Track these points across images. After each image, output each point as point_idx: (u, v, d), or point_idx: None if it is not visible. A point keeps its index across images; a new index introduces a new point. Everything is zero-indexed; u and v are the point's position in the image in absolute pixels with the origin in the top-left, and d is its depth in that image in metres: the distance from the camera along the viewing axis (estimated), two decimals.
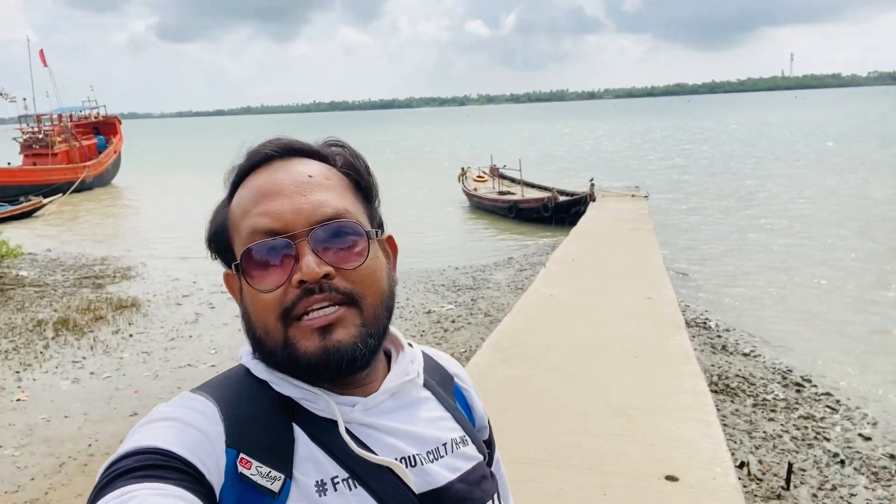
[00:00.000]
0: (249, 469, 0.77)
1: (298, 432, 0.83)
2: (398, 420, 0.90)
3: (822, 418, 5.91)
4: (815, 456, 5.15)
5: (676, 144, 43.82)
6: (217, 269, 0.93)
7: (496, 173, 21.20)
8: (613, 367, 5.14)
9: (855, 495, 4.62)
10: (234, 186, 0.90)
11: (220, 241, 0.91)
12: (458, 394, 1.06)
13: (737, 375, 6.67)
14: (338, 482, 0.80)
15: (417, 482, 0.85)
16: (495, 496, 0.97)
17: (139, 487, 0.66)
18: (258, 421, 0.81)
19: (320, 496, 0.79)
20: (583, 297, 7.20)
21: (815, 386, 6.67)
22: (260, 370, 0.87)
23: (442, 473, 0.89)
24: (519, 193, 18.40)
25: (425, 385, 0.99)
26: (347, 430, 0.84)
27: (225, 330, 8.36)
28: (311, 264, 0.80)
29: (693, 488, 3.41)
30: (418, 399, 0.96)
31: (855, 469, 4.98)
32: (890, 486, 4.72)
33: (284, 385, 0.85)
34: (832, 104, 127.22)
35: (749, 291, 10.14)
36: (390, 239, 0.98)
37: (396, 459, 0.85)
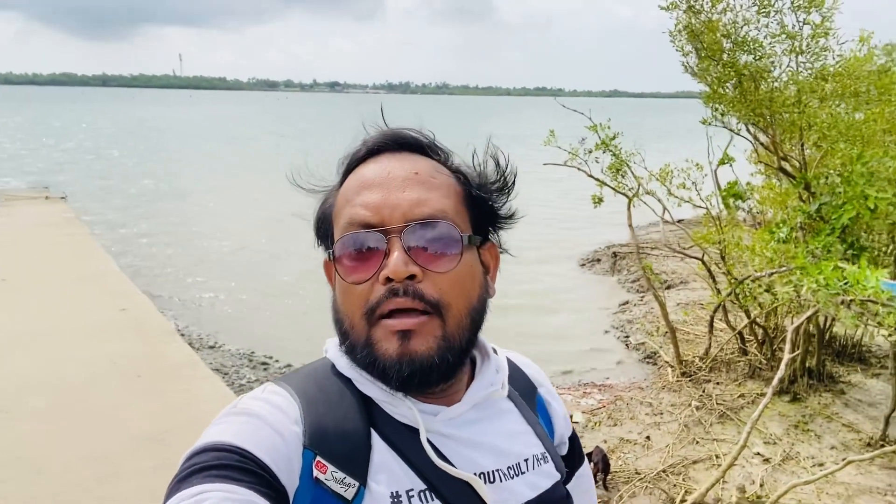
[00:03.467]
0: (325, 473, 0.76)
1: (376, 438, 0.80)
2: (479, 432, 0.87)
3: None
4: None
5: (82, 138, 40.29)
6: None
7: None
8: (119, 394, 4.69)
9: None
10: (345, 174, 0.87)
11: (324, 226, 0.89)
12: (541, 406, 1.01)
13: (217, 371, 6.97)
14: (413, 495, 0.78)
15: (494, 499, 0.82)
16: None
17: (213, 488, 0.66)
18: (339, 424, 0.79)
19: None
20: (36, 322, 6.14)
21: (279, 361, 7.58)
22: (344, 366, 0.85)
23: (521, 491, 0.86)
24: None
25: (508, 395, 0.95)
26: (428, 440, 0.81)
27: None
28: (398, 262, 0.77)
29: None
30: (501, 411, 0.92)
31: None
32: None
33: (368, 385, 0.83)
34: (223, 104, 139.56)
35: (198, 289, 10.50)
36: (493, 248, 0.93)
37: (475, 474, 0.82)
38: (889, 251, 4.83)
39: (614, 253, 11.57)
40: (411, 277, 0.78)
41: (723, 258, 6.01)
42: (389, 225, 0.79)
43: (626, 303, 9.35)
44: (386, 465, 0.79)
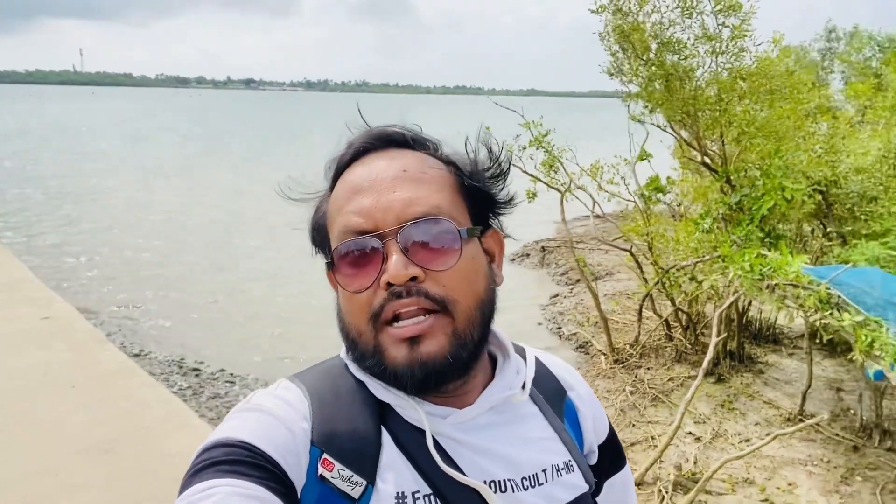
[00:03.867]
0: (331, 471, 0.75)
1: (386, 438, 0.79)
2: (493, 438, 0.83)
3: (227, 393, 6.59)
4: None
5: None
6: None
7: None
8: (57, 405, 4.42)
9: None
10: (335, 180, 0.85)
11: (319, 235, 0.86)
12: (570, 410, 0.95)
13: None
14: (418, 497, 0.76)
15: None
16: None
17: (222, 483, 0.67)
18: (349, 422, 0.79)
19: None
20: None
21: (209, 367, 7.32)
22: (356, 368, 0.83)
23: (534, 503, 0.82)
24: None
25: (532, 398, 0.91)
26: (437, 444, 0.79)
27: None
28: (397, 265, 0.74)
29: None
30: (521, 415, 0.88)
31: None
32: None
33: (379, 389, 0.81)
34: (127, 102, 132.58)
35: (116, 297, 9.97)
36: (496, 235, 0.89)
37: (485, 483, 0.79)
38: (813, 236, 5.19)
39: (543, 247, 11.85)
40: (413, 279, 0.76)
41: (650, 249, 6.29)
42: (384, 228, 0.76)
43: (557, 295, 9.61)
44: (393, 465, 0.77)
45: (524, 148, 5.87)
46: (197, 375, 7.09)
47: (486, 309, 0.82)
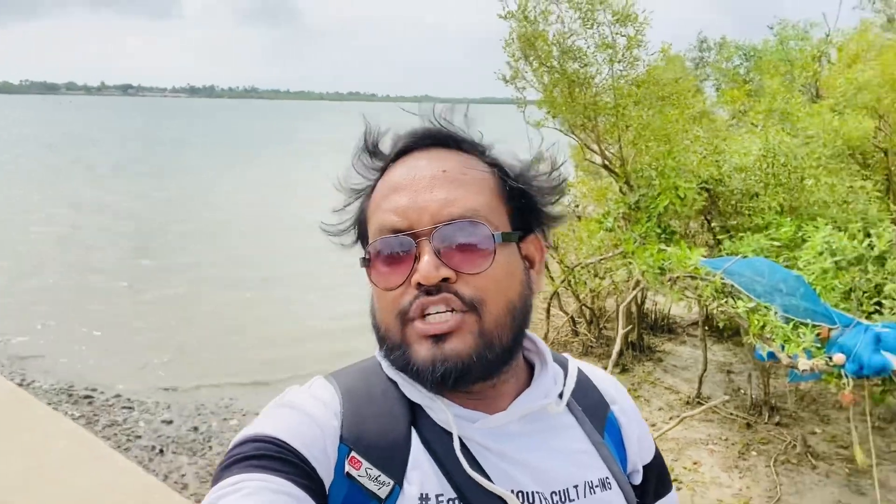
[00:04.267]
0: (358, 469, 0.75)
1: (415, 438, 0.79)
2: (523, 448, 0.81)
3: (125, 420, 6.16)
4: (137, 456, 5.38)
5: None
6: None
7: None
8: None
9: (185, 475, 5.16)
10: (379, 177, 0.84)
11: (361, 230, 0.87)
12: (612, 426, 0.91)
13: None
14: (442, 500, 0.75)
15: None
16: None
17: (251, 478, 0.68)
18: (379, 421, 0.79)
19: None
20: None
21: (104, 393, 6.81)
22: (388, 367, 0.83)
23: None
24: None
25: (570, 409, 0.88)
26: (465, 448, 0.78)
27: None
28: (428, 266, 0.75)
29: None
30: (556, 426, 0.85)
31: (174, 453, 5.51)
32: (205, 454, 5.48)
33: (409, 388, 0.81)
34: None
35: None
36: (537, 241, 0.88)
37: (512, 492, 0.76)
38: (702, 231, 5.58)
39: None
40: (444, 280, 0.76)
41: (555, 248, 6.53)
42: (418, 228, 0.77)
43: None
44: (420, 466, 0.77)
45: None
46: (90, 403, 6.58)
47: (518, 315, 0.81)
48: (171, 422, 6.12)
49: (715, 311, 4.18)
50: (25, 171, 25.97)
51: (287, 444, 0.73)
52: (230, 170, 27.97)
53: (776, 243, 4.52)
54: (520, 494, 0.77)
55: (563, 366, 0.92)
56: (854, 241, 4.19)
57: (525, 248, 0.86)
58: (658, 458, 0.96)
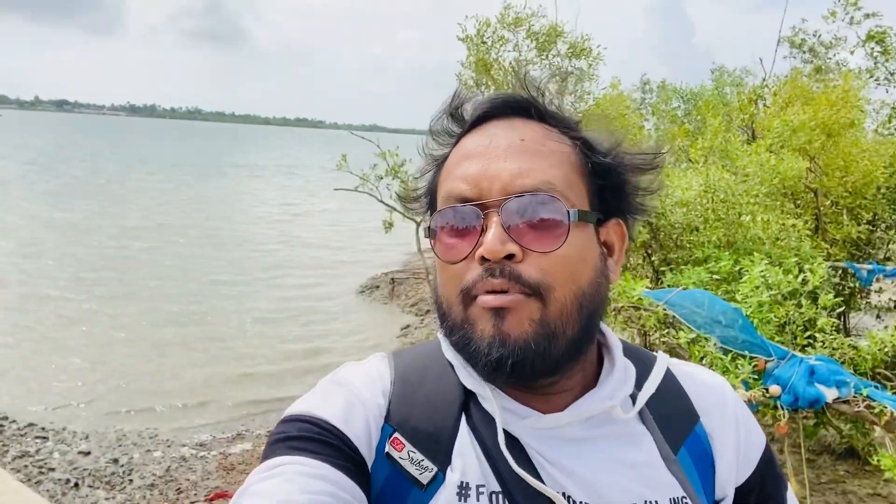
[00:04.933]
0: (400, 451, 0.72)
1: (464, 426, 0.74)
2: (576, 455, 0.73)
3: (38, 451, 5.71)
4: (49, 490, 4.98)
5: None
6: None
7: None
8: None
9: None
10: (454, 146, 0.79)
11: (431, 199, 0.82)
12: (697, 440, 0.80)
13: None
14: (482, 492, 0.70)
15: None
16: None
17: (290, 461, 0.68)
18: (428, 404, 0.75)
19: (460, 500, 0.69)
20: None
21: (15, 422, 6.31)
22: (447, 348, 0.79)
23: None
24: None
25: (642, 417, 0.78)
26: (516, 442, 0.73)
27: None
28: (494, 240, 0.69)
29: None
30: (623, 434, 0.76)
31: (90, 486, 5.12)
32: (125, 489, 5.12)
33: (464, 373, 0.77)
34: None
35: None
36: (618, 227, 0.80)
37: (563, 495, 0.70)
38: (644, 264, 5.65)
39: (392, 279, 11.84)
40: (509, 257, 0.69)
41: None
42: (487, 199, 0.71)
43: (408, 326, 9.62)
44: (464, 454, 0.72)
45: (380, 178, 5.84)
46: (0, 432, 6.07)
47: (588, 304, 0.73)
48: (88, 453, 5.71)
49: (657, 342, 4.20)
50: None
51: (330, 425, 0.71)
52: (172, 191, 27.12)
53: (715, 276, 4.61)
54: (569, 499, 0.71)
55: (647, 364, 0.83)
56: (789, 276, 4.31)
57: (604, 232, 0.79)
58: (767, 455, 0.84)
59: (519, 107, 0.78)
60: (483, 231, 0.71)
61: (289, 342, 8.89)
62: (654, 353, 0.87)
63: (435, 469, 0.71)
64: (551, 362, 0.71)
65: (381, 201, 5.87)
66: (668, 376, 0.83)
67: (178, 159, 49.41)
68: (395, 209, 6.03)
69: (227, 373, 7.81)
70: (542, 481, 0.71)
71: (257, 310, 10.15)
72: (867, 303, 7.12)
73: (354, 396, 0.75)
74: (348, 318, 10.31)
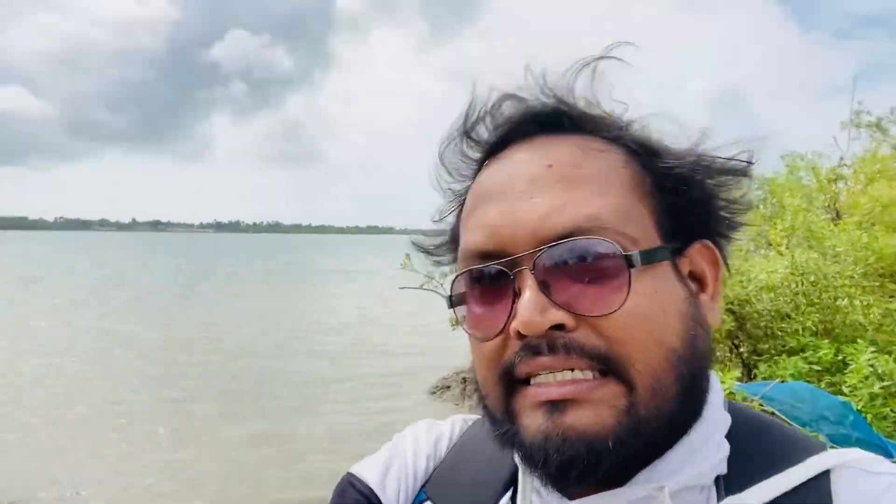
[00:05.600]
0: None
1: None
2: None
3: None
4: None
5: None
6: None
7: None
8: None
9: None
10: (473, 177, 0.63)
11: (456, 249, 0.64)
12: None
13: None
14: None
15: None
16: None
17: None
18: (473, 477, 0.66)
19: None
20: None
21: None
22: None
23: None
24: None
25: None
26: None
27: None
28: (529, 308, 0.51)
29: None
30: None
31: None
32: None
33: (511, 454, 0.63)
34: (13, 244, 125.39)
35: None
36: (707, 251, 0.60)
37: None
38: (732, 356, 5.25)
39: (464, 378, 11.52)
40: (559, 328, 0.53)
41: None
42: (514, 253, 0.55)
43: None
44: None
45: (446, 275, 5.77)
46: None
47: (685, 368, 0.54)
48: None
49: None
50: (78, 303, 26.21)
51: (367, 488, 0.69)
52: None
53: (815, 367, 4.17)
54: None
55: (787, 455, 0.57)
56: None
57: (687, 263, 0.60)
58: None
59: (544, 120, 0.60)
60: (517, 295, 0.54)
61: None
62: (824, 448, 0.59)
63: None
64: (633, 460, 0.54)
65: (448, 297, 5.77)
66: (820, 481, 0.55)
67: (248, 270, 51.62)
68: None
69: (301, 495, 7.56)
70: None
71: (332, 424, 9.93)
72: None
73: (399, 460, 0.71)
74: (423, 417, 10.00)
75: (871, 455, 0.57)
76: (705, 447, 0.57)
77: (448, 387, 11.55)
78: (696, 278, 0.61)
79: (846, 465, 0.56)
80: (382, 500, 0.67)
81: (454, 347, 13.77)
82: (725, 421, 0.60)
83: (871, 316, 4.84)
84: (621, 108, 0.60)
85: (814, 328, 4.57)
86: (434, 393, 11.36)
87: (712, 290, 0.61)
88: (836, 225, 5.28)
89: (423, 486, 0.67)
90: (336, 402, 11.15)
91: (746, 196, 0.61)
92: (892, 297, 5.37)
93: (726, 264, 0.63)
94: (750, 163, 0.60)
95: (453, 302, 0.62)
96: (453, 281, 0.62)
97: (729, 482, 0.56)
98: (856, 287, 4.71)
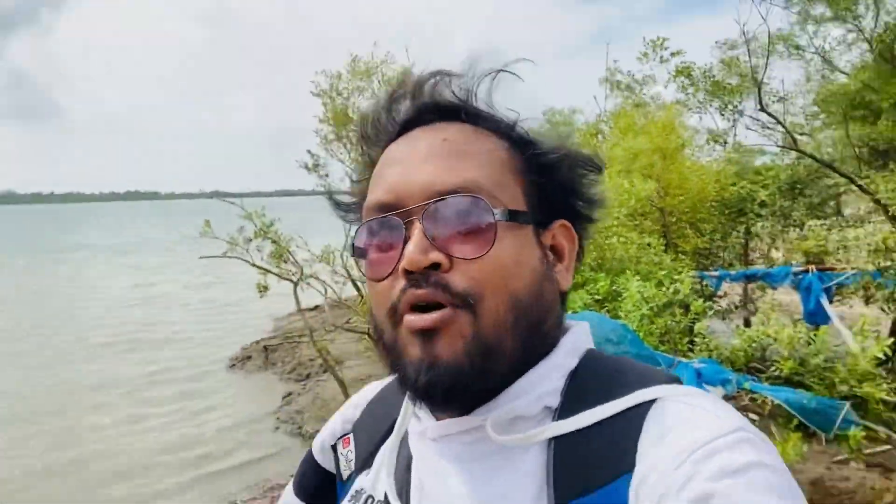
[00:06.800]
0: (345, 448, 0.82)
1: (395, 432, 0.76)
2: (444, 478, 0.67)
3: None
4: None
5: None
6: None
7: None
8: None
9: None
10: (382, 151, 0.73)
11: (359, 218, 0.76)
12: (613, 495, 0.57)
13: None
14: (361, 495, 0.74)
15: None
16: None
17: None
18: (381, 414, 0.80)
19: (349, 501, 0.75)
20: None
21: None
22: None
23: None
24: None
25: (554, 447, 0.62)
26: (407, 452, 0.73)
27: None
28: (414, 248, 0.63)
29: None
30: (500, 464, 0.64)
31: None
32: None
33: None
34: None
35: None
36: (566, 230, 0.73)
37: None
38: None
39: (265, 347, 11.20)
40: (435, 267, 0.63)
41: None
42: (407, 205, 0.65)
43: (290, 394, 9.09)
44: (377, 463, 0.76)
45: (250, 240, 5.53)
46: None
47: (528, 312, 0.65)
48: None
49: None
50: None
51: (309, 453, 0.88)
52: None
53: (597, 297, 4.83)
54: None
55: (619, 389, 0.64)
56: (661, 289, 4.63)
57: (549, 236, 0.72)
58: None
59: (447, 110, 0.71)
60: (406, 242, 0.64)
61: (156, 431, 8.03)
62: (670, 381, 0.65)
63: (351, 470, 0.79)
64: (491, 383, 0.64)
65: (254, 265, 5.55)
66: (635, 412, 0.62)
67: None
68: (269, 271, 5.72)
69: (98, 472, 6.86)
70: (407, 500, 0.68)
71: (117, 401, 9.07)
72: (714, 308, 7.87)
73: (340, 415, 0.86)
74: (222, 395, 9.55)
75: (694, 389, 0.64)
76: (541, 383, 0.66)
77: (249, 357, 11.13)
78: (556, 250, 0.72)
79: (667, 397, 0.62)
80: (318, 460, 0.85)
81: (248, 321, 13.26)
82: (570, 363, 0.68)
83: (632, 250, 5.70)
84: (511, 113, 0.72)
85: (592, 264, 5.27)
86: (234, 366, 10.88)
87: (567, 262, 0.73)
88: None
89: (352, 427, 0.83)
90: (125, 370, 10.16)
91: (601, 193, 0.76)
92: (644, 233, 6.36)
93: (582, 244, 0.76)
94: (597, 167, 0.75)
95: (355, 253, 0.71)
96: (356, 232, 0.71)
97: (562, 412, 0.64)
98: (621, 226, 5.50)
